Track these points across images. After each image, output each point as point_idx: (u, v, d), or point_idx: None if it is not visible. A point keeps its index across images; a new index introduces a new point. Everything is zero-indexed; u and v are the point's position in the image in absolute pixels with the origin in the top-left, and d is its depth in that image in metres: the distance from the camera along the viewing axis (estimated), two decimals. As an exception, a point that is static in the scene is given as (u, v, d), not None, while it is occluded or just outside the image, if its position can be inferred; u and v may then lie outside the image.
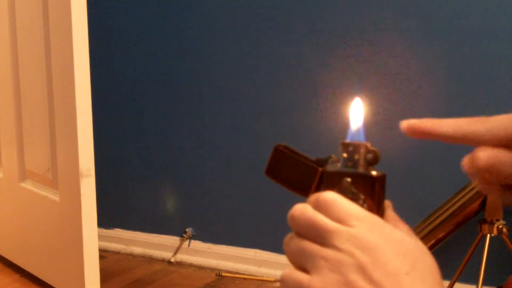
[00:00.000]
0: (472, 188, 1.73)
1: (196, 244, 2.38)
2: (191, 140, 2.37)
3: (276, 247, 2.20)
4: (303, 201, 0.48)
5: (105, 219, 2.42)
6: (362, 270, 0.43)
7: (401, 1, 1.97)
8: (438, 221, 1.75)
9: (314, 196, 0.47)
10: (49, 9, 1.87)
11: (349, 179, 0.47)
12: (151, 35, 2.41)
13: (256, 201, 2.24)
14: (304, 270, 0.45)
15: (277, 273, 2.21)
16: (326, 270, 0.44)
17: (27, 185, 2.12)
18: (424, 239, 1.74)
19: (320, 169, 0.49)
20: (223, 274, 2.26)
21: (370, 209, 0.46)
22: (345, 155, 0.48)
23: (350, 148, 0.47)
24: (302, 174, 0.50)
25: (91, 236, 1.87)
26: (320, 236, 0.45)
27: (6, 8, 2.10)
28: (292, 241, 0.47)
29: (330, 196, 0.46)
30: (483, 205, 1.70)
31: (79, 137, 1.81)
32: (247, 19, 2.23)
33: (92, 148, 1.85)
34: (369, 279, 0.43)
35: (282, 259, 2.19)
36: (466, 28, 1.89)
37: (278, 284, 2.19)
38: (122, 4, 2.46)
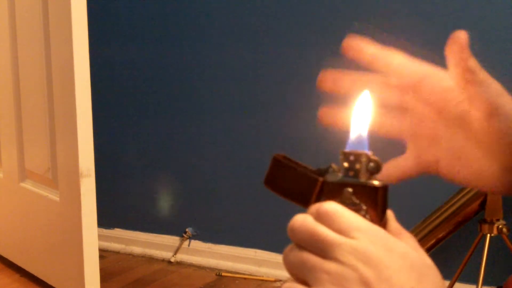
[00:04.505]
0: (472, 188, 1.73)
1: (196, 244, 2.38)
2: (191, 140, 2.37)
3: (276, 247, 2.20)
4: (303, 210, 0.47)
5: (105, 219, 2.42)
6: (365, 285, 0.42)
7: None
8: (438, 221, 1.75)
9: (314, 207, 0.46)
10: (49, 9, 1.87)
11: (350, 189, 0.45)
12: (151, 35, 2.41)
13: (256, 201, 2.24)
14: (305, 283, 0.44)
15: (277, 273, 2.21)
16: (328, 284, 0.42)
17: (27, 185, 2.12)
18: (424, 239, 1.74)
19: (321, 179, 0.47)
20: (223, 274, 2.26)
21: (372, 220, 0.45)
22: (346, 164, 0.46)
23: (351, 157, 0.46)
24: (301, 184, 0.48)
25: (91, 236, 1.87)
26: (321, 249, 0.44)
27: (6, 8, 2.10)
28: (292, 253, 0.45)
29: (332, 207, 0.45)
30: (483, 205, 1.70)
31: (79, 137, 1.81)
32: (247, 18, 2.23)
33: (92, 148, 1.85)
34: None
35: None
36: (469, 25, 1.88)
37: (278, 284, 2.19)
38: (122, 4, 2.46)
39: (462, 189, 1.74)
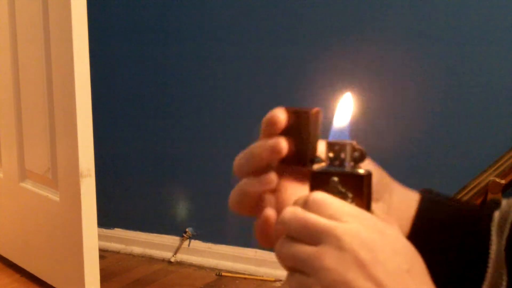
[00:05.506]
0: (472, 188, 1.73)
1: (196, 244, 2.38)
2: (191, 140, 2.37)
3: (276, 247, 2.20)
4: None
5: (105, 219, 2.42)
6: (361, 267, 0.41)
7: None
8: (438, 220, 1.75)
9: (302, 197, 0.45)
10: (49, 9, 1.87)
11: (336, 178, 0.46)
12: (151, 35, 2.41)
13: (256, 201, 2.24)
14: (303, 273, 0.43)
15: (277, 273, 2.21)
16: (324, 271, 0.42)
17: (27, 185, 2.12)
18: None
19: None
20: (223, 274, 2.26)
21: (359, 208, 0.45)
22: (331, 154, 0.47)
23: (336, 147, 0.47)
24: None
25: (91, 236, 1.87)
26: (314, 236, 0.43)
27: (6, 8, 2.10)
28: (284, 247, 0.45)
29: (320, 196, 0.45)
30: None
31: (79, 137, 1.81)
32: (247, 18, 2.23)
33: (92, 148, 1.85)
34: (370, 277, 0.41)
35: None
36: (460, 24, 1.89)
37: (278, 284, 2.19)
38: (122, 4, 2.46)
39: (462, 189, 1.74)
